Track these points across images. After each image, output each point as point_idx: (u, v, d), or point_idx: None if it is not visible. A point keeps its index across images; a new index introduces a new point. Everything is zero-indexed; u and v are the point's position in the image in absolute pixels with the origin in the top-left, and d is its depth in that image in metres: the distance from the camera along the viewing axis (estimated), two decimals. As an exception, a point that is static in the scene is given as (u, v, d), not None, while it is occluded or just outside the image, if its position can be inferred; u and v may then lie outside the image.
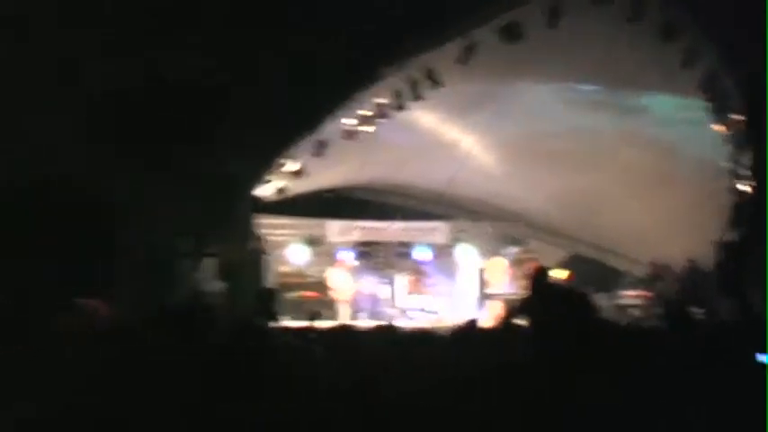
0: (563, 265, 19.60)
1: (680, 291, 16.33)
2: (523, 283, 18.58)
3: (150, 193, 12.33)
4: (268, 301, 11.33)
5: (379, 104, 14.69)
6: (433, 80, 13.78)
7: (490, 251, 20.47)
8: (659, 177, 16.40)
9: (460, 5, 12.70)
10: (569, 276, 18.73)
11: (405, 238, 20.52)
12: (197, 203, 12.92)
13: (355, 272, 19.25)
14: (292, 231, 19.49)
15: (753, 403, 4.33)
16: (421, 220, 20.80)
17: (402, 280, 19.64)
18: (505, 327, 7.82)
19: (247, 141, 13.32)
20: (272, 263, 17.67)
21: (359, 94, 14.07)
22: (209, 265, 13.73)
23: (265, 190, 16.03)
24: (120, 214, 12.26)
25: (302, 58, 12.85)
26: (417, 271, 19.90)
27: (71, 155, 11.61)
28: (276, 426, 4.29)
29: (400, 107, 14.55)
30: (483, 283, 20.01)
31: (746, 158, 13.84)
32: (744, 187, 14.00)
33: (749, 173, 13.78)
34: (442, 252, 20.52)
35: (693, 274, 16.40)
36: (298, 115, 13.51)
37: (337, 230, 20.06)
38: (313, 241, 19.69)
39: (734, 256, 13.84)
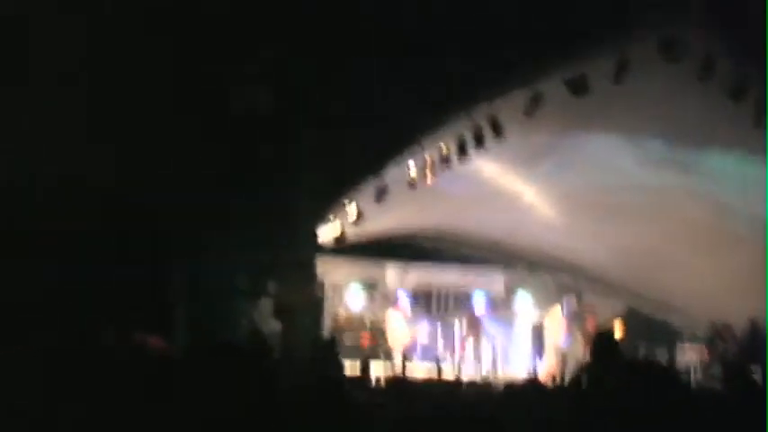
0: (619, 319, 19.38)
1: (740, 352, 16.06)
2: (582, 338, 18.58)
3: (210, 229, 12.47)
4: (329, 350, 11.37)
5: (442, 152, 14.70)
6: (497, 130, 13.76)
7: (547, 302, 20.32)
8: (721, 236, 16.20)
9: (528, 56, 12.73)
10: (624, 330, 18.54)
11: (461, 285, 20.45)
12: (257, 242, 13.02)
13: (412, 317, 19.21)
14: (350, 273, 19.52)
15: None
16: (478, 267, 20.70)
17: (458, 327, 19.55)
18: (562, 384, 7.75)
19: (310, 183, 13.45)
20: (329, 305, 17.71)
21: (423, 140, 14.13)
22: (266, 305, 13.79)
23: (326, 231, 16.09)
24: (180, 250, 12.40)
25: (367, 103, 12.96)
26: (473, 319, 19.78)
27: (133, 189, 11.81)
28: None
29: (464, 155, 14.51)
30: (539, 335, 19.83)
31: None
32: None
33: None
34: (498, 300, 20.41)
35: (754, 335, 16.12)
36: (362, 159, 13.61)
37: (395, 275, 20.06)
38: (370, 285, 19.69)
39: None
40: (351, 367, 12.66)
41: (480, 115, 13.76)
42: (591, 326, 18.79)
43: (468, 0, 12.30)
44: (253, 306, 13.56)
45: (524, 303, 20.30)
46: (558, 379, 14.27)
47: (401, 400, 5.93)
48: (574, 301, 20.41)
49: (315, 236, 15.19)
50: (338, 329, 17.71)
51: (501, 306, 20.38)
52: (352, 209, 15.46)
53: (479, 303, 20.14)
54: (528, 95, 13.16)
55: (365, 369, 13.34)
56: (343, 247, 17.34)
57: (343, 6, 12.32)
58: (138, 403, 4.75)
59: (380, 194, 14.93)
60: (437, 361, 18.19)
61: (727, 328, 17.06)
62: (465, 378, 15.70)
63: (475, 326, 19.57)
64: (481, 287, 20.42)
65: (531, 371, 17.63)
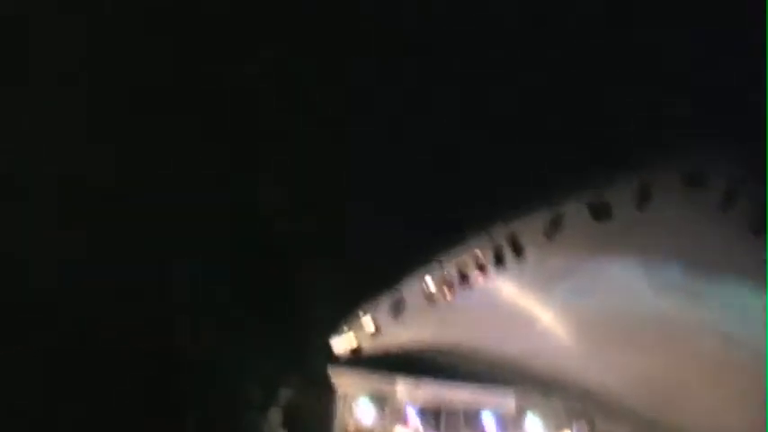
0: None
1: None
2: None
3: (224, 339, 12.39)
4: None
5: (461, 269, 14.71)
6: (518, 250, 13.80)
7: (557, 426, 20.01)
8: (739, 369, 16.06)
9: (552, 178, 12.83)
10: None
11: (471, 402, 20.19)
12: (270, 351, 12.92)
13: (421, 433, 18.94)
14: (362, 386, 19.30)
15: None
16: (490, 386, 20.47)
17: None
18: None
19: (326, 293, 13.41)
20: (338, 417, 17.48)
21: (442, 256, 14.15)
22: (276, 415, 13.62)
23: (339, 343, 15.99)
24: (190, 363, 12.31)
25: (388, 215, 13.01)
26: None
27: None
28: None
29: (483, 273, 14.52)
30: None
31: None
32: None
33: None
34: (509, 421, 20.12)
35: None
36: (379, 271, 13.60)
37: (405, 390, 19.82)
38: (380, 399, 19.46)
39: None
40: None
41: (500, 235, 13.82)
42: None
43: (495, 123, 12.44)
44: (263, 418, 13.40)
45: (534, 426, 19.99)
46: None
47: None
48: (585, 426, 20.10)
49: (328, 347, 15.10)
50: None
51: (511, 427, 20.07)
52: (368, 321, 15.39)
53: (489, 423, 19.86)
54: (549, 217, 13.22)
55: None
56: (356, 359, 17.21)
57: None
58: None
59: (397, 310, 14.89)
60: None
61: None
62: None
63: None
64: (492, 407, 20.15)
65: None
